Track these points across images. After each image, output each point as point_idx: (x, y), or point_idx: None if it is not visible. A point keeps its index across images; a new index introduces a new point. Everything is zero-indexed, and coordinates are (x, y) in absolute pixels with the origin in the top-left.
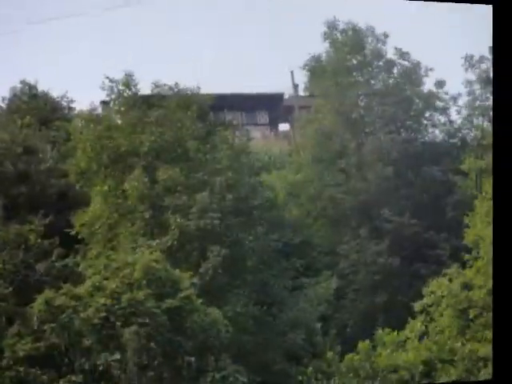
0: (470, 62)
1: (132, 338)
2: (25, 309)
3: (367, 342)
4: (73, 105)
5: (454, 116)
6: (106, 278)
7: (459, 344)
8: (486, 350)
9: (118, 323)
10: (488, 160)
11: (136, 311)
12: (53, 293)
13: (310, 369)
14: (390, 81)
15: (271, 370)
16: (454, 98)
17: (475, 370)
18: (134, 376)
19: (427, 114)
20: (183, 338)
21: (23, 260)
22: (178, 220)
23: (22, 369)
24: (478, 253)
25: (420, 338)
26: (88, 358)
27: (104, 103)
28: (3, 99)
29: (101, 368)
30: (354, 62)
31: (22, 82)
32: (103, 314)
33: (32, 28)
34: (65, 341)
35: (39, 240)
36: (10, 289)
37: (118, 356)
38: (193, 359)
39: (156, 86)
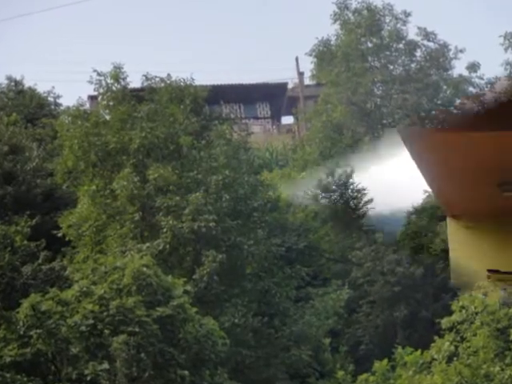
0: (510, 40)
1: (121, 348)
2: (11, 313)
3: (385, 361)
4: (59, 100)
5: None
6: (94, 283)
7: (497, 368)
8: None
9: (107, 331)
10: None
11: (125, 319)
12: (39, 297)
13: None
14: (412, 65)
15: None
16: (491, 83)
17: None
18: None
19: (457, 102)
20: (176, 350)
21: (9, 262)
22: (171, 222)
23: (8, 375)
24: None
25: (448, 360)
26: (75, 367)
27: (92, 98)
28: None
29: (88, 378)
30: (369, 45)
31: (8, 78)
32: (91, 321)
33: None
34: (51, 348)
35: (25, 242)
36: None
37: (106, 366)
38: (186, 373)
39: (146, 78)
